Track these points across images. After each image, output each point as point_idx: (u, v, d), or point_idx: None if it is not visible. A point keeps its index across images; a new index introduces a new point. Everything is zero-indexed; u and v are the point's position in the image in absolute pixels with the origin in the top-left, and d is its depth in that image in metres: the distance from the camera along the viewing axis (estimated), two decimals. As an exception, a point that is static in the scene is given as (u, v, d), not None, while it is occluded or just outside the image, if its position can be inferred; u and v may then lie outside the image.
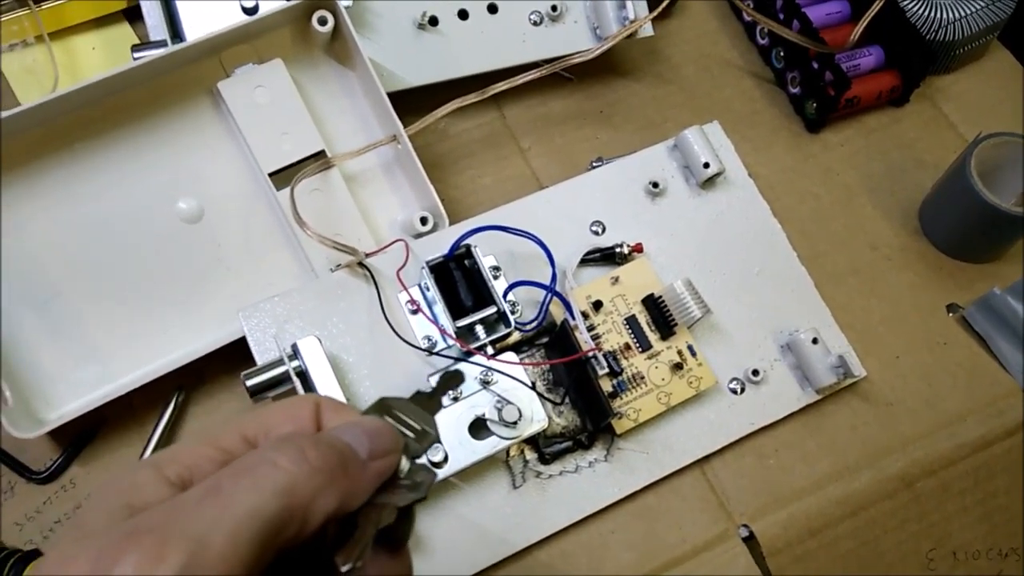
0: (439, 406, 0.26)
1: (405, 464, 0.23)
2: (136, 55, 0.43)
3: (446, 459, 0.36)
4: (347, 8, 0.43)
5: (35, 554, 0.32)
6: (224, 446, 0.21)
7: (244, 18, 0.43)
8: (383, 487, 0.22)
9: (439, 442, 0.31)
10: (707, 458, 0.40)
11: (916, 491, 0.41)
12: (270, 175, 0.42)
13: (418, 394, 0.26)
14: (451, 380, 0.33)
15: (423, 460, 0.25)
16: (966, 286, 0.47)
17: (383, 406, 0.25)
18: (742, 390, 0.41)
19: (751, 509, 0.40)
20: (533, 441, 0.39)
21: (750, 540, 0.39)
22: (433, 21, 0.47)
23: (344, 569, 0.20)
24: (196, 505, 0.18)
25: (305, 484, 0.19)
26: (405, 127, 0.42)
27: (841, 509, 0.40)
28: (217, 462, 0.21)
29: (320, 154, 0.42)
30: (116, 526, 0.18)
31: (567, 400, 0.40)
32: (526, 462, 0.39)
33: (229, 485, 0.19)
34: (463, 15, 0.48)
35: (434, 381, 0.37)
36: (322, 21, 0.42)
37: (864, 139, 0.52)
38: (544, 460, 0.39)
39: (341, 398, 0.37)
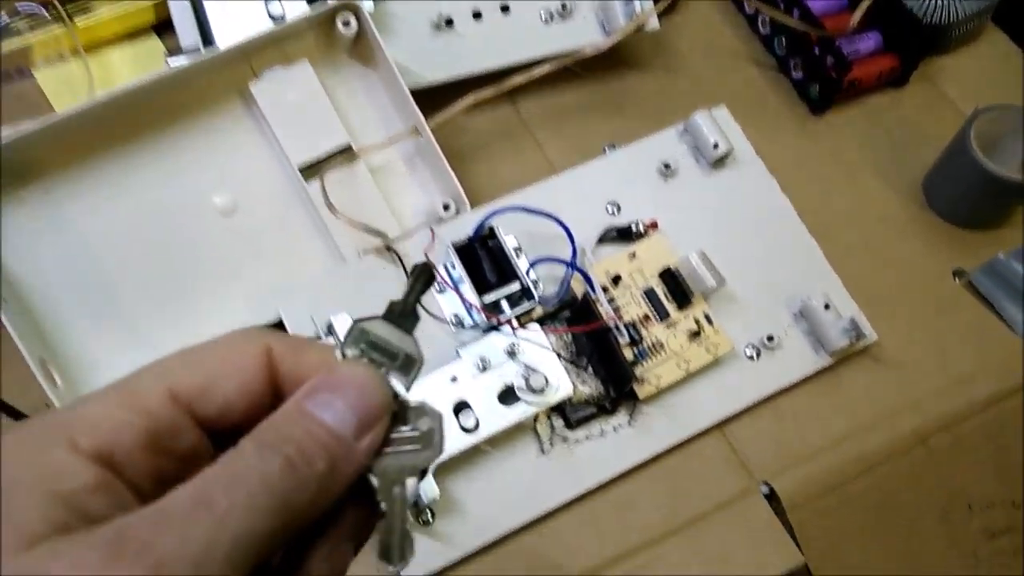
0: (416, 318, 0.22)
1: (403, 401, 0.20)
2: (171, 61, 0.46)
3: (477, 425, 0.38)
4: (369, 12, 0.45)
5: None
6: (148, 407, 0.19)
7: (272, 24, 0.45)
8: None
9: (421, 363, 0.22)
10: (726, 422, 0.42)
11: (930, 447, 0.42)
12: (300, 169, 0.44)
13: (391, 310, 0.22)
14: (422, 276, 0.23)
15: (420, 397, 0.21)
16: (972, 252, 0.48)
17: (359, 335, 0.21)
18: (758, 355, 0.43)
19: (771, 468, 0.41)
20: (560, 409, 0.41)
21: (771, 497, 0.40)
22: (449, 22, 0.49)
23: (393, 570, 0.19)
24: (187, 520, 0.17)
25: (299, 496, 0.18)
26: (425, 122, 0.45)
27: (858, 466, 0.42)
28: (142, 431, 0.18)
29: (346, 148, 0.45)
30: (92, 535, 0.16)
31: (590, 369, 0.41)
32: (553, 428, 0.41)
33: (223, 500, 0.17)
34: (477, 15, 0.50)
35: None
36: (346, 23, 0.45)
37: (867, 119, 0.54)
38: (570, 426, 0.41)
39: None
